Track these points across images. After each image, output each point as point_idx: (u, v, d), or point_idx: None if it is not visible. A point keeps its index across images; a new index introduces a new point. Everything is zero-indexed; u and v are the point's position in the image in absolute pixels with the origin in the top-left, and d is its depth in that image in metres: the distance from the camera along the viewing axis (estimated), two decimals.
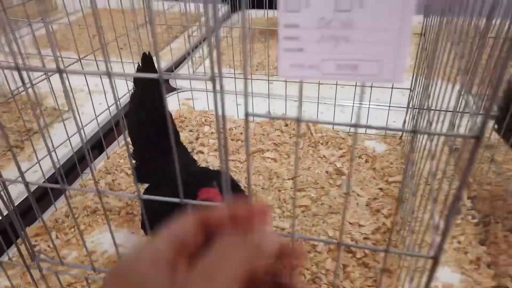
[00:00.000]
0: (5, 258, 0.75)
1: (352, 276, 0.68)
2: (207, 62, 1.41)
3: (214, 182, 0.53)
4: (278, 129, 1.09)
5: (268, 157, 0.99)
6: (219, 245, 0.25)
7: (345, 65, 0.28)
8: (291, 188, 0.89)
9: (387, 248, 0.35)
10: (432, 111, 0.60)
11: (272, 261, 0.27)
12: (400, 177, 0.91)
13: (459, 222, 0.79)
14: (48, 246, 0.78)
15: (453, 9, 0.56)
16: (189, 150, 0.94)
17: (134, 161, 0.73)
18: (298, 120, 0.33)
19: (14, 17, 1.44)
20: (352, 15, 0.26)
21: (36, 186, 0.86)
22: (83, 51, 1.10)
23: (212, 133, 1.10)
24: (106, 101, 1.02)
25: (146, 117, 0.70)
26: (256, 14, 1.53)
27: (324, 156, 0.99)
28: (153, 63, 0.68)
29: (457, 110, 0.44)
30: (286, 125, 1.11)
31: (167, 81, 1.37)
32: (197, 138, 1.08)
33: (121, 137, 1.08)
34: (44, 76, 0.93)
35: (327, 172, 0.94)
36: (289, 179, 0.92)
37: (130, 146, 0.73)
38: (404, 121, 1.02)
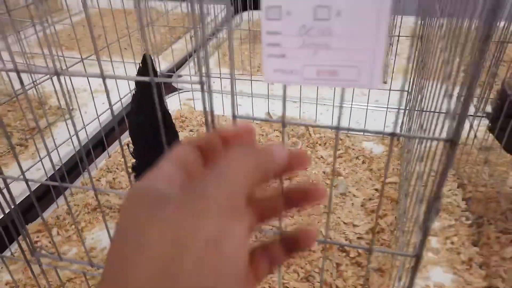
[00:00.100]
0: (7, 253, 0.77)
1: (345, 275, 0.70)
2: (209, 62, 1.43)
3: None
4: (276, 130, 1.11)
5: None
6: (231, 153, 0.26)
7: (325, 70, 0.29)
8: None
9: (370, 248, 0.36)
10: (423, 114, 0.61)
11: (282, 168, 0.28)
12: (396, 178, 0.92)
13: (453, 224, 0.80)
14: (49, 242, 0.80)
15: (443, 12, 0.57)
16: None
17: (134, 160, 0.75)
18: (283, 122, 0.34)
19: (21, 18, 1.46)
20: (330, 24, 0.27)
21: (39, 184, 0.89)
22: (87, 51, 1.12)
23: None
24: (109, 100, 1.03)
25: (145, 118, 0.72)
26: (259, 15, 1.54)
27: (322, 157, 1.00)
28: (153, 65, 0.70)
29: (439, 111, 0.45)
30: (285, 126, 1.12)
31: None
32: None
33: (122, 136, 1.10)
34: (47, 76, 0.95)
35: (324, 172, 0.95)
36: (286, 179, 0.94)
37: (131, 145, 0.75)
38: (402, 123, 1.03)
